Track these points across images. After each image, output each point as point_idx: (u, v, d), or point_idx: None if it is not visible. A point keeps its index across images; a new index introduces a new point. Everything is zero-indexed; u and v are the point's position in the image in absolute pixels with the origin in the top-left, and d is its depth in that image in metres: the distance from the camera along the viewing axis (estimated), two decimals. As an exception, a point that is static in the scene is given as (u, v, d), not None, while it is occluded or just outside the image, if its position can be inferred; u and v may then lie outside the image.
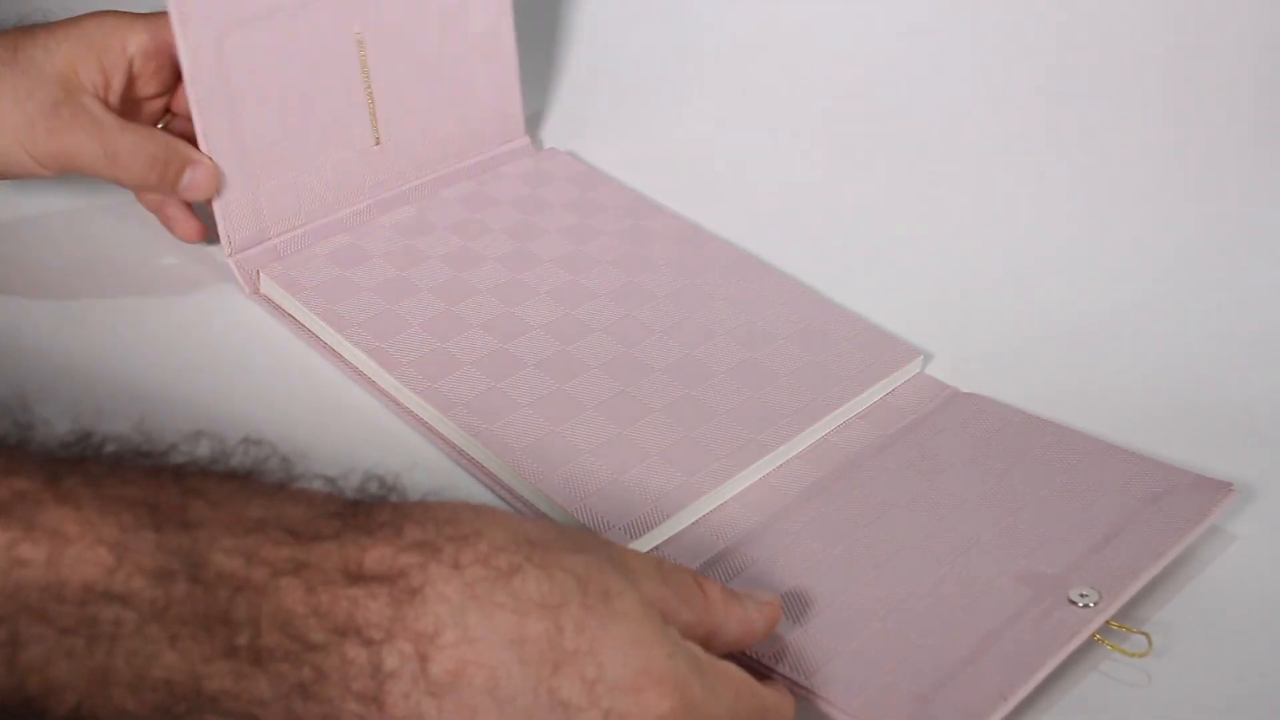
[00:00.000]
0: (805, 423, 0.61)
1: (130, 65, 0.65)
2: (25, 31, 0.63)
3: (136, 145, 0.64)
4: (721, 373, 0.63)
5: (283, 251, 0.70)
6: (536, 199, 0.74)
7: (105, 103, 0.64)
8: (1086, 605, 0.51)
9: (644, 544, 0.55)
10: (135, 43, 0.65)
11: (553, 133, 0.81)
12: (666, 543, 0.56)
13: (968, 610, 0.52)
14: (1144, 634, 0.51)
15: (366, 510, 0.39)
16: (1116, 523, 0.55)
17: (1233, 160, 0.72)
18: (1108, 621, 0.52)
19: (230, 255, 0.68)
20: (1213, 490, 0.57)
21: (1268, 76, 0.71)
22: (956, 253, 0.73)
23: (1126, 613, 0.53)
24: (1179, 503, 0.56)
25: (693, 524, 0.57)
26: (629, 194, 0.75)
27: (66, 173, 0.64)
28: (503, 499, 0.59)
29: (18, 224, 0.73)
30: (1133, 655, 0.51)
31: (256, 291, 0.68)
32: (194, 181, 0.65)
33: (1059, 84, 0.76)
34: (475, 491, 0.59)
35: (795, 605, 0.53)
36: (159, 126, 0.69)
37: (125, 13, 0.66)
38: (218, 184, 0.66)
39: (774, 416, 0.61)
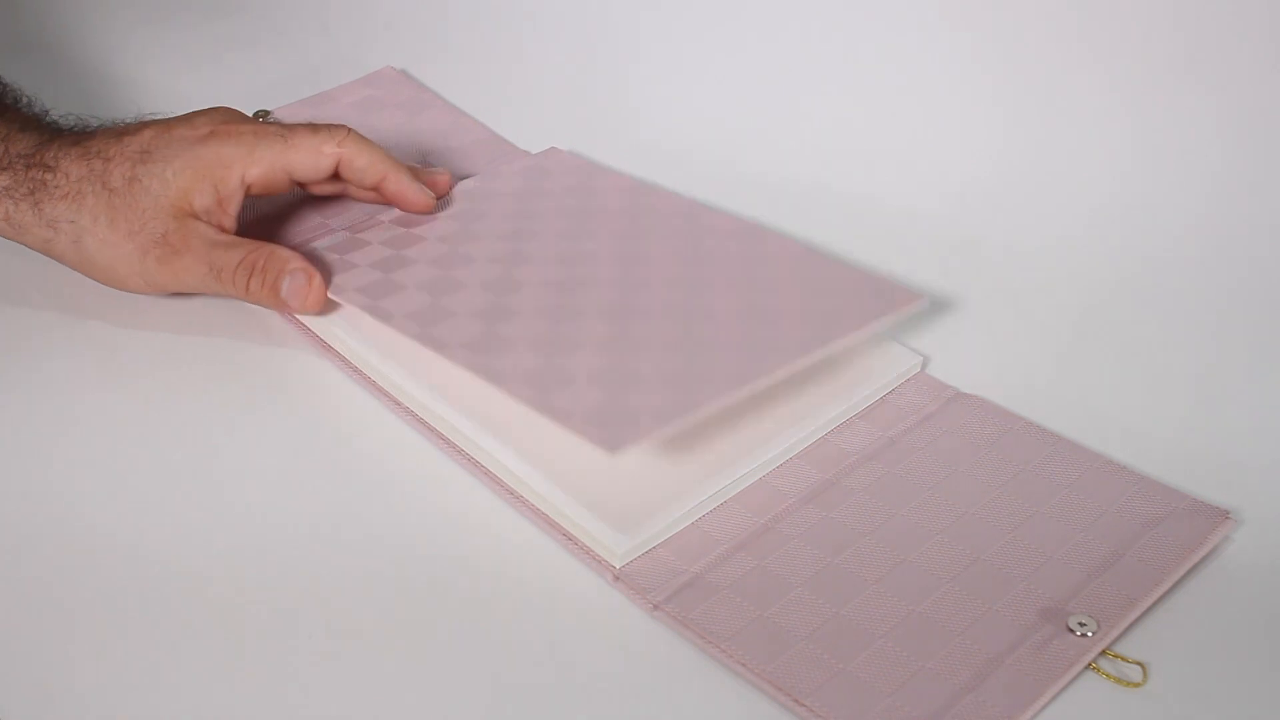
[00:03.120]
0: (808, 349, 0.59)
1: (246, 192, 0.66)
2: (144, 158, 0.65)
3: (237, 259, 0.65)
4: (722, 314, 0.62)
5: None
6: (536, 188, 0.74)
7: (219, 226, 0.66)
8: (1085, 634, 0.52)
9: (643, 545, 0.56)
10: (252, 173, 0.66)
11: (554, 134, 0.81)
12: (665, 543, 0.56)
13: (968, 634, 0.52)
14: (1139, 664, 0.52)
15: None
16: (1115, 547, 0.56)
17: (1242, 155, 0.72)
18: (1104, 650, 0.52)
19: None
20: (1209, 516, 0.57)
21: None
22: (956, 251, 0.73)
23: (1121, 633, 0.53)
24: (1176, 529, 0.56)
25: (692, 525, 0.57)
26: (630, 181, 0.75)
27: (180, 292, 0.66)
28: (502, 498, 0.59)
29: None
30: (1127, 685, 0.51)
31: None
32: (293, 289, 0.65)
33: (1065, 75, 0.76)
34: (474, 490, 0.59)
35: (797, 616, 0.53)
36: None
37: (244, 134, 0.66)
38: (320, 292, 0.65)
39: (777, 344, 0.60)
